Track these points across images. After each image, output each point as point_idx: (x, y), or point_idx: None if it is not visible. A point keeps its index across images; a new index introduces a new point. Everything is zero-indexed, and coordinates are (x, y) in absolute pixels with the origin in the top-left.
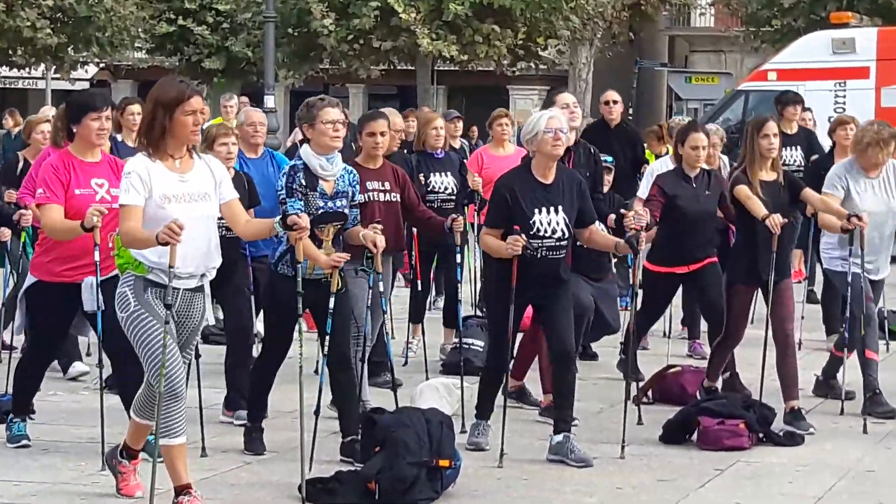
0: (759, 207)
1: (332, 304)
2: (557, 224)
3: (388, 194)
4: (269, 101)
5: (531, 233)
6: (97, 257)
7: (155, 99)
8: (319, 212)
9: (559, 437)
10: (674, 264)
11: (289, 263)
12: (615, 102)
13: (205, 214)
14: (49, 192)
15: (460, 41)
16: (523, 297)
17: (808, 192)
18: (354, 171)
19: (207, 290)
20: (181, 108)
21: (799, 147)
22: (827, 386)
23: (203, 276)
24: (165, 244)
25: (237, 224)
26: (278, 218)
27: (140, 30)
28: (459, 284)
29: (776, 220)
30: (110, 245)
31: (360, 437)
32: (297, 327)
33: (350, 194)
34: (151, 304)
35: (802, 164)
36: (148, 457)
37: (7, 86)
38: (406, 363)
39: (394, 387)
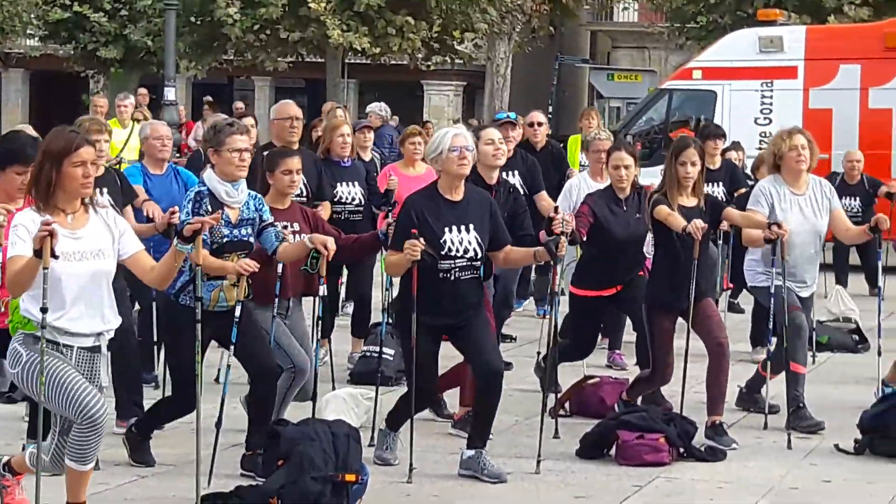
0: (678, 220)
1: (237, 313)
2: (469, 243)
3: (298, 235)
4: (170, 93)
5: (442, 253)
6: None
7: (43, 150)
8: (224, 240)
9: (471, 452)
10: (601, 287)
11: (191, 294)
12: (539, 124)
13: (98, 273)
14: None
15: (372, 33)
16: (437, 321)
17: (730, 211)
18: (259, 196)
19: (105, 352)
20: (69, 160)
21: (721, 183)
22: (750, 399)
23: (99, 335)
24: (38, 251)
25: (144, 273)
26: (175, 240)
27: (32, 16)
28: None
29: (697, 225)
30: (2, 309)
31: (263, 450)
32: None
33: (257, 220)
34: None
35: (724, 199)
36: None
37: None
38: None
39: (314, 396)
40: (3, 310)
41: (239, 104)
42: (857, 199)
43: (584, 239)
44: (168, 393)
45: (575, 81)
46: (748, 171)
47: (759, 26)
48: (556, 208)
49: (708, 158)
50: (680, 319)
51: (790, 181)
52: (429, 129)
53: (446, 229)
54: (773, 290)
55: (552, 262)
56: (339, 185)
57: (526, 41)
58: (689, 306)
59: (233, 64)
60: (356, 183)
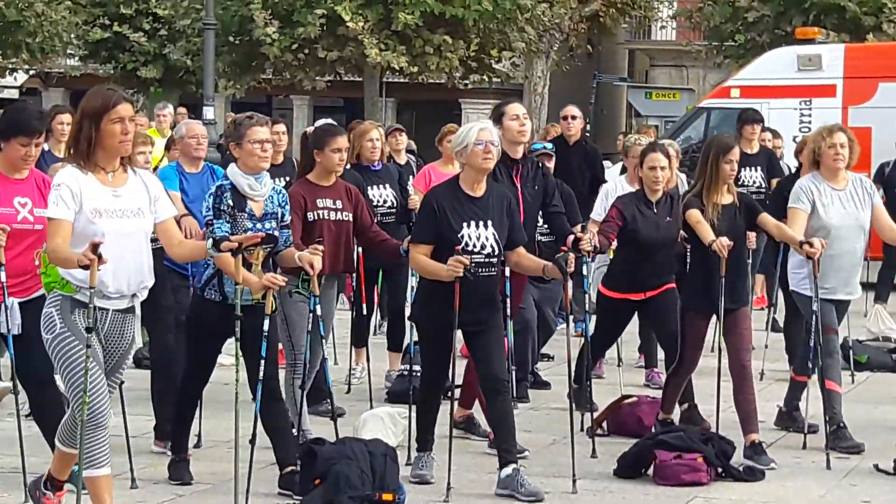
0: (707, 232)
1: (266, 327)
2: (487, 239)
3: (339, 213)
4: (209, 112)
5: (459, 248)
6: (2, 278)
7: (81, 109)
8: (248, 233)
9: (508, 470)
10: (629, 290)
11: (216, 288)
12: (574, 118)
13: (137, 231)
14: None
15: (410, 52)
16: (454, 317)
17: (765, 218)
18: (284, 192)
19: (138, 311)
20: (107, 117)
21: (759, 168)
22: (789, 418)
23: (134, 296)
24: (86, 268)
25: (171, 245)
26: (210, 241)
27: (73, 36)
28: (407, 306)
29: (722, 244)
30: (37, 263)
31: (299, 468)
32: (236, 353)
33: (280, 215)
34: (79, 327)
35: (763, 185)
36: (73, 488)
37: None
38: (349, 391)
39: (334, 416)
40: (37, 263)
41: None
42: None
43: (613, 244)
44: (208, 413)
45: (613, 100)
46: (785, 160)
47: (798, 44)
48: (582, 227)
49: (745, 143)
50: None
51: (829, 178)
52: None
53: (465, 224)
54: (814, 307)
55: (563, 279)
56: (370, 188)
57: (563, 60)
58: (720, 308)
59: (271, 83)
60: (387, 185)
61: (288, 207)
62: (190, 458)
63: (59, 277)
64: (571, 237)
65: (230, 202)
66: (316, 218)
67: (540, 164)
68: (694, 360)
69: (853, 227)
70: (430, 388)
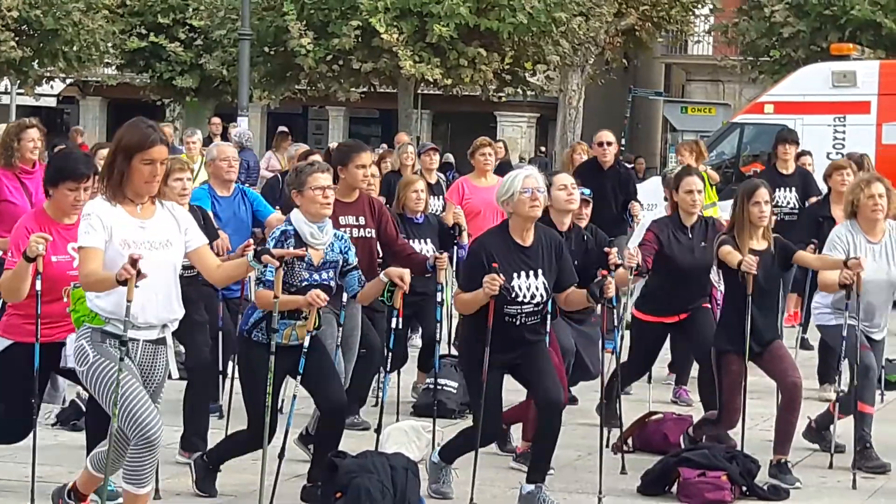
0: (734, 256)
1: (306, 343)
2: (537, 289)
3: (361, 230)
4: (243, 122)
5: (510, 297)
6: (38, 287)
7: (117, 141)
8: (304, 284)
9: (530, 487)
10: (663, 314)
11: (263, 330)
12: (609, 144)
13: (165, 263)
14: (18, 256)
15: (444, 64)
16: (500, 359)
17: (802, 255)
18: (347, 238)
19: (170, 343)
20: (140, 156)
21: (794, 189)
22: (818, 436)
23: (164, 326)
24: (124, 282)
25: (209, 271)
26: (251, 255)
27: (110, 45)
28: (438, 324)
29: (750, 260)
30: (65, 300)
31: (321, 481)
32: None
33: (340, 262)
34: (111, 352)
35: (796, 206)
36: (97, 499)
37: None
38: (376, 404)
39: (378, 428)
40: (65, 300)
41: (216, 119)
42: None
43: (650, 267)
44: (234, 426)
45: (648, 114)
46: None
47: (833, 60)
48: (610, 241)
49: (780, 163)
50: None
51: (866, 229)
52: (496, 148)
53: (515, 275)
54: (844, 333)
55: (600, 304)
56: (412, 241)
57: (599, 73)
58: (756, 348)
59: (306, 94)
60: (428, 240)
61: (352, 252)
62: (219, 471)
63: (88, 311)
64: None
65: (292, 248)
66: None
67: (584, 237)
68: (734, 409)
69: (883, 283)
70: (485, 435)
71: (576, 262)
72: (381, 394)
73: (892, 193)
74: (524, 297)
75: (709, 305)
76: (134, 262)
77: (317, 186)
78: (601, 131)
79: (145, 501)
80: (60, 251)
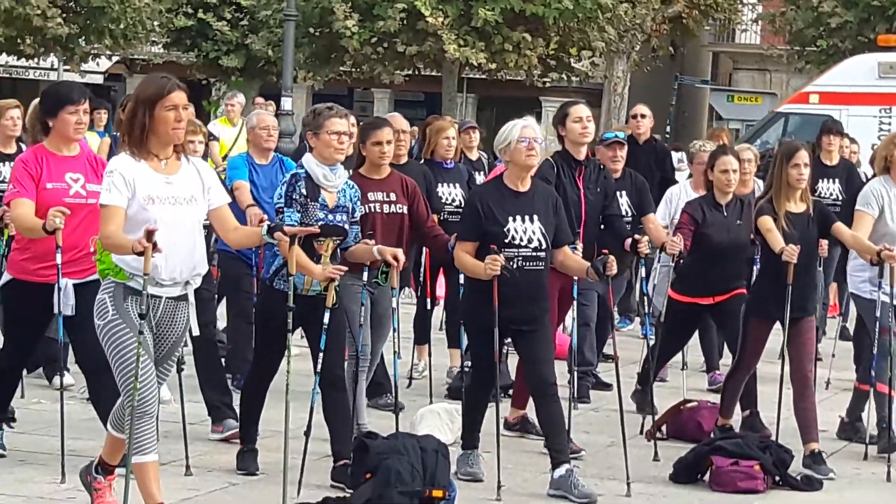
0: (777, 240)
1: (326, 319)
2: (533, 233)
3: (392, 206)
4: (287, 103)
5: (506, 241)
6: (59, 260)
7: (136, 96)
8: (319, 223)
9: (561, 471)
10: (698, 294)
11: (285, 279)
12: (644, 116)
13: (190, 218)
14: (18, 186)
15: (489, 49)
16: (503, 316)
17: (840, 228)
18: (356, 187)
19: (192, 298)
20: (161, 104)
21: (837, 180)
22: (852, 429)
23: (187, 283)
24: (140, 254)
25: (226, 231)
26: (265, 228)
27: (156, 23)
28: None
29: (791, 250)
30: (92, 249)
31: (352, 461)
32: (287, 343)
33: (350, 210)
34: (130, 315)
35: (840, 197)
36: (124, 472)
37: (17, 76)
38: (409, 385)
39: (396, 410)
40: (92, 249)
41: (259, 99)
42: None
43: (686, 244)
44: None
45: (694, 102)
46: (862, 168)
47: (879, 52)
48: (640, 228)
49: (824, 154)
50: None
51: None
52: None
53: (510, 218)
54: (878, 314)
55: (602, 280)
56: (440, 185)
57: (644, 60)
58: (785, 316)
59: (351, 76)
60: (457, 185)
61: (359, 203)
62: (257, 449)
63: (113, 264)
64: (629, 240)
65: (303, 191)
66: (368, 211)
67: (602, 167)
68: (751, 365)
69: None
70: (479, 387)
71: (598, 190)
72: (394, 374)
73: None
74: (520, 240)
75: (745, 291)
76: (150, 234)
77: (333, 131)
78: (636, 105)
79: (154, 469)
80: (56, 178)
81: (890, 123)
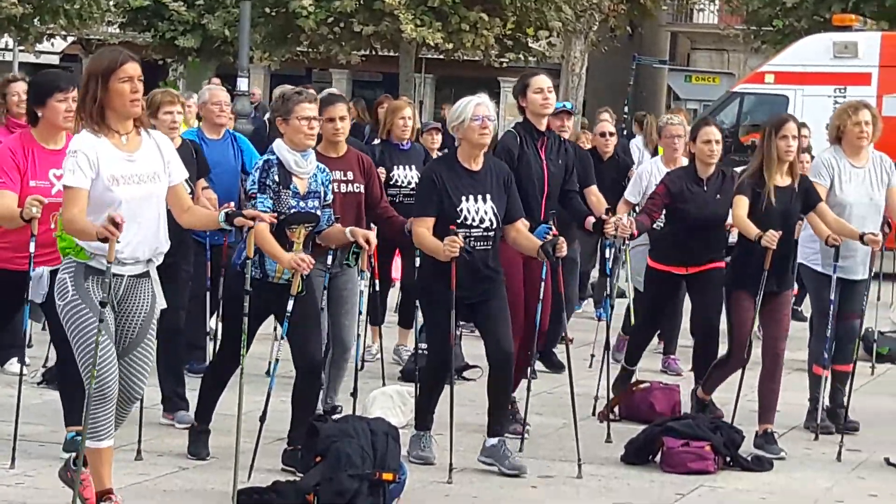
0: (749, 228)
1: (289, 308)
2: (486, 213)
3: (349, 185)
4: (243, 83)
5: (458, 221)
6: (32, 249)
7: (88, 71)
8: (291, 211)
9: (493, 441)
10: (673, 263)
11: (256, 265)
12: (612, 134)
13: (154, 196)
14: (4, 177)
15: (446, 29)
16: (456, 292)
17: (823, 209)
18: (328, 171)
19: (155, 275)
20: (115, 76)
21: None
22: (835, 416)
23: (149, 261)
24: (104, 240)
25: (180, 210)
26: (223, 213)
27: (112, 3)
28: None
29: (770, 237)
30: (53, 226)
31: (302, 445)
32: (242, 328)
33: (322, 194)
34: (91, 296)
35: None
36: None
37: None
38: (362, 368)
39: (355, 393)
40: (53, 226)
41: (216, 79)
42: None
43: (657, 222)
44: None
45: (652, 82)
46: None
47: (835, 31)
48: (607, 210)
49: None
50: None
51: (850, 154)
52: None
53: (463, 198)
54: (832, 295)
55: (550, 263)
56: (396, 167)
57: (602, 40)
58: (765, 290)
59: (308, 56)
60: (413, 167)
61: (331, 187)
62: (210, 430)
63: (74, 243)
64: (592, 219)
65: (276, 178)
66: None
67: (563, 140)
68: (743, 345)
69: (868, 206)
70: (436, 367)
71: (559, 162)
72: (357, 357)
73: (877, 120)
74: (472, 220)
75: (723, 265)
76: (116, 223)
77: (303, 116)
78: (602, 122)
79: (108, 455)
80: (40, 176)
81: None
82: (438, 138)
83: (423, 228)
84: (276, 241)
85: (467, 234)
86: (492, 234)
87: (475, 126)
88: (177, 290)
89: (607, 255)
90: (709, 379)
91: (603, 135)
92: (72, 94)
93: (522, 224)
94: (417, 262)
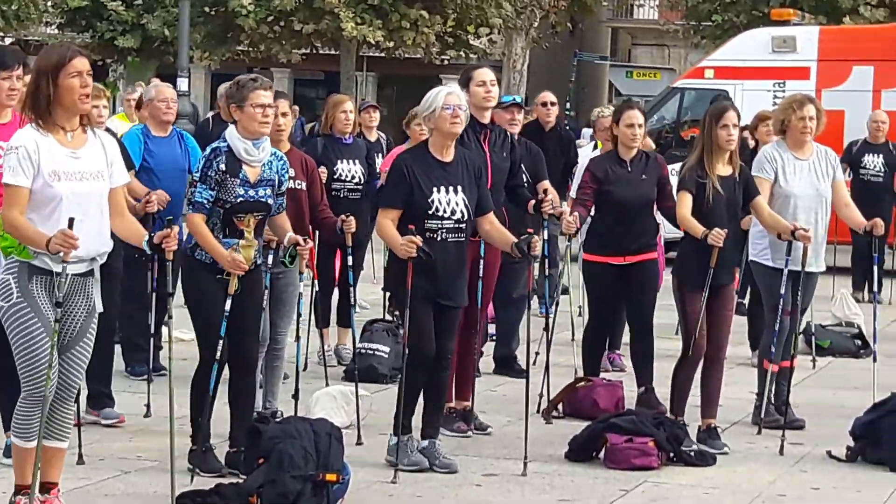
0: (695, 227)
1: (227, 306)
2: (457, 205)
3: (292, 181)
4: (183, 83)
5: (429, 212)
6: None
7: (37, 67)
8: (239, 200)
9: (424, 443)
10: (608, 253)
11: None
12: (553, 104)
13: (96, 193)
14: None
15: (386, 26)
16: (425, 288)
17: (759, 203)
18: (285, 159)
19: (97, 274)
20: (65, 72)
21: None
22: (781, 412)
23: (94, 259)
24: (56, 254)
25: (114, 218)
26: (146, 240)
27: (49, 3)
28: (352, 288)
29: (717, 235)
30: None
31: (244, 447)
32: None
33: (276, 182)
34: (35, 297)
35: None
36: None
37: None
38: (305, 369)
39: (296, 395)
40: None
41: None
42: (881, 156)
43: (590, 212)
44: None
45: (594, 78)
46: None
47: (773, 26)
48: (545, 190)
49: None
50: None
51: (794, 147)
52: None
53: (434, 189)
54: (783, 291)
55: (526, 260)
56: (339, 161)
57: (543, 37)
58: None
59: (249, 55)
60: (356, 161)
61: (287, 175)
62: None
63: (16, 243)
64: (532, 201)
65: (223, 167)
66: None
67: (507, 134)
68: (696, 341)
69: (815, 198)
70: (417, 363)
71: (504, 154)
72: (298, 359)
73: (821, 114)
74: (444, 212)
75: (655, 256)
76: (71, 241)
77: (258, 104)
78: (544, 92)
79: (30, 460)
80: None
81: (784, 97)
82: (376, 115)
83: (387, 220)
84: (226, 228)
85: (439, 225)
86: (464, 226)
87: (446, 115)
88: (108, 291)
89: (545, 237)
90: (674, 398)
91: (545, 105)
92: (16, 72)
93: (494, 217)
94: (350, 260)
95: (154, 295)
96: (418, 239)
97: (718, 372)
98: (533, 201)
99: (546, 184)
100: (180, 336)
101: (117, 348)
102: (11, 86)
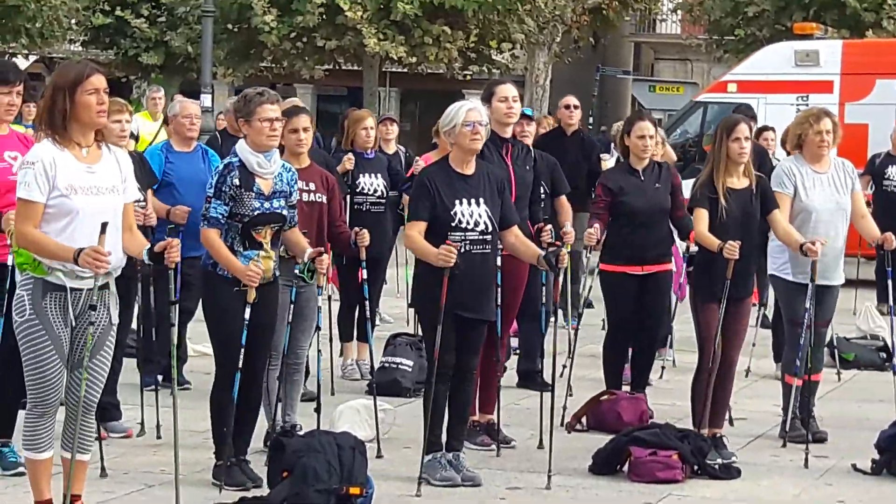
0: (710, 241)
1: (247, 315)
2: (480, 216)
3: (311, 194)
4: (206, 100)
5: (452, 224)
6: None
7: (54, 84)
8: (256, 213)
9: (449, 456)
10: (626, 263)
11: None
12: (576, 107)
13: (111, 208)
14: None
15: (409, 42)
16: (452, 300)
17: (776, 216)
18: (294, 170)
19: (113, 288)
20: (82, 88)
21: None
22: (807, 426)
23: (108, 273)
24: (84, 268)
25: (123, 230)
26: (146, 251)
27: (73, 21)
28: (367, 301)
29: (731, 248)
30: (9, 242)
31: (268, 460)
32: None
33: (288, 193)
34: (48, 315)
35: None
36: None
37: None
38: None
39: (318, 409)
40: (9, 242)
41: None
42: None
43: (603, 224)
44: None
45: (617, 93)
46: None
47: (796, 40)
48: (545, 220)
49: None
50: None
51: (812, 161)
52: None
53: (457, 202)
54: (808, 304)
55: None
56: (361, 175)
57: (566, 52)
58: (726, 298)
59: (272, 71)
60: (379, 175)
61: (296, 187)
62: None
63: (31, 258)
64: (536, 227)
65: (237, 181)
66: None
67: (530, 148)
68: (709, 352)
69: (835, 211)
70: (441, 377)
71: (527, 167)
72: (318, 373)
73: (837, 128)
74: (467, 223)
75: (671, 266)
76: (103, 260)
77: (265, 118)
78: (567, 96)
79: (47, 466)
80: None
81: None
82: (394, 129)
83: (414, 232)
84: (245, 242)
85: (463, 237)
86: (489, 237)
87: (466, 132)
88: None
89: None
90: (695, 412)
91: (567, 107)
92: (17, 87)
93: (519, 230)
94: (364, 273)
95: (177, 307)
96: (455, 248)
97: (728, 383)
98: (536, 227)
99: (563, 201)
100: (203, 350)
101: (131, 361)
102: (11, 101)
